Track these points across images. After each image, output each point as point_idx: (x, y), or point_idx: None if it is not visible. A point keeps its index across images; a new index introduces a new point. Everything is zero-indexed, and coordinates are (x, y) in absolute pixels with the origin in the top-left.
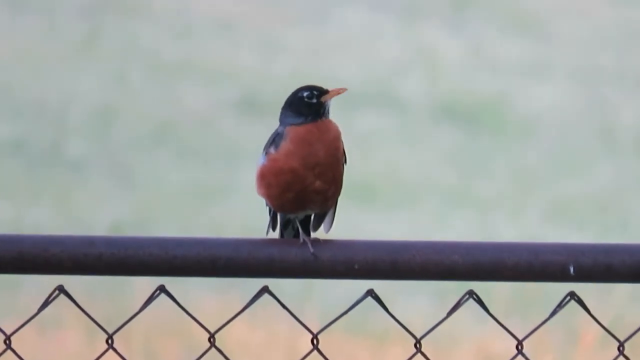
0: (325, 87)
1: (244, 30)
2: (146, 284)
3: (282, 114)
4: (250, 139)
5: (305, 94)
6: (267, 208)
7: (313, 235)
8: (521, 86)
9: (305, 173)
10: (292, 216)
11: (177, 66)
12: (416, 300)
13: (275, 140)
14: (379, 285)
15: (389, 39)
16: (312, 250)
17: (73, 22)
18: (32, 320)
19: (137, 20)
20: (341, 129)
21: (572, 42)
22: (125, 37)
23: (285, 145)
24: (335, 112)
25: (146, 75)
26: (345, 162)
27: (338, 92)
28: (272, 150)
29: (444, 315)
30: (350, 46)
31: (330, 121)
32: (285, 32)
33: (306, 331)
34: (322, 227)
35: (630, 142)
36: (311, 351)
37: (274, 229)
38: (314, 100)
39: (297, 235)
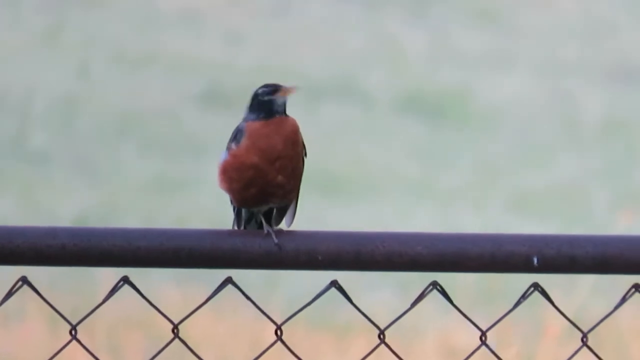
0: (288, 83)
1: (209, 22)
2: (109, 275)
3: (248, 111)
4: (214, 131)
5: (260, 91)
6: (232, 206)
7: (277, 226)
8: (485, 78)
9: (267, 167)
10: (255, 210)
11: (141, 58)
12: (379, 291)
13: (236, 136)
14: (343, 277)
15: (353, 31)
16: (276, 241)
17: (36, 13)
18: None
19: (100, 12)
20: (305, 121)
21: (536, 34)
22: (88, 28)
23: (245, 140)
24: (300, 103)
25: (110, 67)
26: (306, 155)
27: (289, 91)
28: (233, 145)
29: (408, 306)
30: (315, 38)
31: (286, 117)
32: (250, 24)
33: (270, 322)
34: (283, 222)
35: (594, 134)
36: (275, 342)
37: (239, 227)
38: (266, 98)
39: (260, 227)
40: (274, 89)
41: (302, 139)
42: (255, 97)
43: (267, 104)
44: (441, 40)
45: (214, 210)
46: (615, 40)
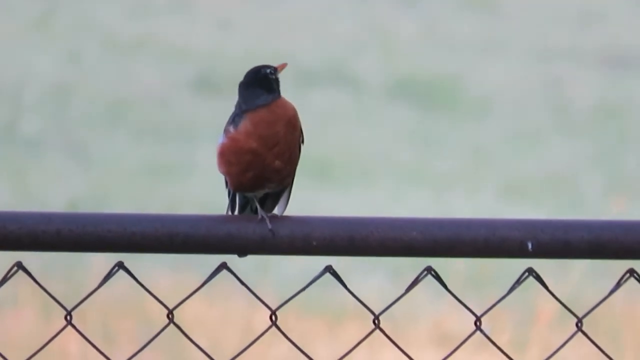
0: (275, 63)
1: (200, 9)
2: (103, 261)
3: (247, 95)
4: (206, 117)
5: (268, 70)
6: (227, 191)
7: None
8: (476, 64)
9: (265, 152)
10: (250, 195)
11: (133, 44)
12: (373, 277)
13: (235, 119)
14: (336, 262)
15: (344, 17)
16: (269, 226)
17: (28, 0)
18: None
19: None
20: (296, 107)
21: (528, 21)
22: (80, 14)
23: (245, 124)
24: (291, 89)
25: (101, 53)
26: (303, 141)
27: (283, 66)
28: (231, 128)
29: (402, 292)
30: (306, 24)
31: (286, 101)
32: (241, 11)
33: (263, 308)
34: (276, 208)
35: (586, 120)
36: (269, 327)
37: (232, 213)
38: (275, 77)
39: (256, 213)
40: (274, 68)
41: (300, 125)
42: (265, 77)
43: (276, 82)
44: (432, 26)
45: (206, 196)
46: (606, 26)
